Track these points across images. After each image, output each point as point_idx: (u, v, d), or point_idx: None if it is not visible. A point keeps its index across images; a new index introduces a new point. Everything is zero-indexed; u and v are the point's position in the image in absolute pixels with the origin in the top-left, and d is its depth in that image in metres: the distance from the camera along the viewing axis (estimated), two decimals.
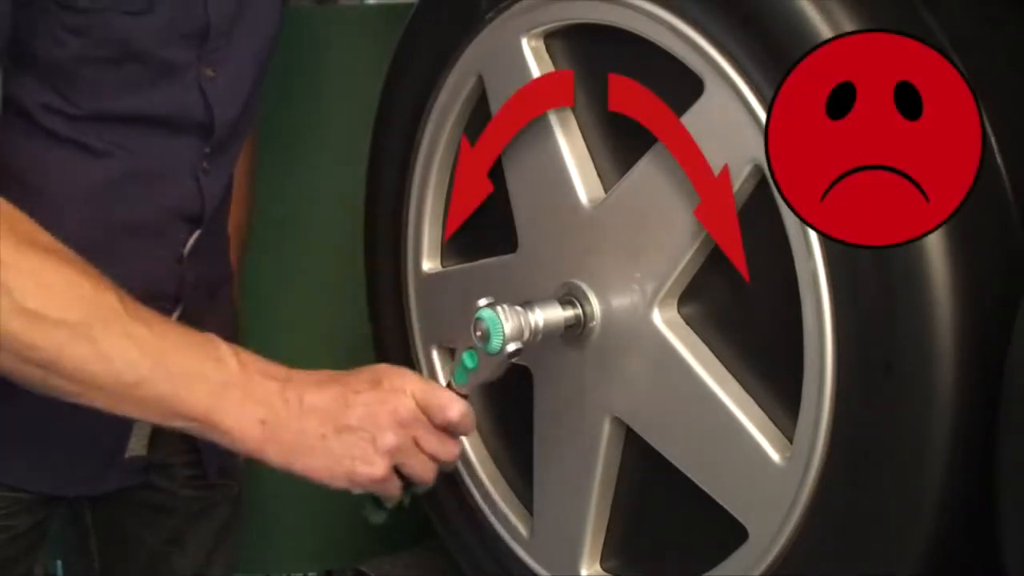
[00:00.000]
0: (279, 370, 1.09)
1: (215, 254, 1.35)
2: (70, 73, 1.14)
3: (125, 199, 1.21)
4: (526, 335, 1.11)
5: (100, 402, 1.05)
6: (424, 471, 1.11)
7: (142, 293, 1.25)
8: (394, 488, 1.11)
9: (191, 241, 1.27)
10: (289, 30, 1.48)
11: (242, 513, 1.51)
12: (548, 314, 1.13)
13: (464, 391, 1.12)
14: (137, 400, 1.06)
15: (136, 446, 1.32)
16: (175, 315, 1.28)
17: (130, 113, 1.18)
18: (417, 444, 1.09)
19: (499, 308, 1.10)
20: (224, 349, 1.08)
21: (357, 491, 1.11)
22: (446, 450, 1.11)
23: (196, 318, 1.30)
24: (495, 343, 1.10)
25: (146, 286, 1.24)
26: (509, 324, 1.10)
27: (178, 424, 1.07)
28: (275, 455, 1.08)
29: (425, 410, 1.09)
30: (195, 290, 1.29)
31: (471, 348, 1.11)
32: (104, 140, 1.18)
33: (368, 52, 1.61)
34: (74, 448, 1.28)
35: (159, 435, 1.33)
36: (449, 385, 1.13)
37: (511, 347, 1.10)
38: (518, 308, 1.11)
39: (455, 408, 1.09)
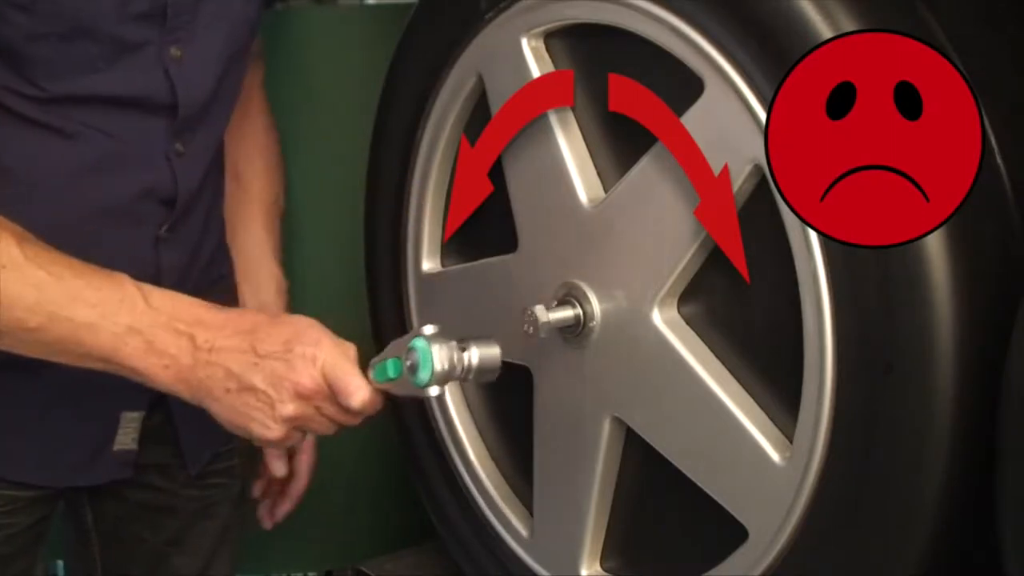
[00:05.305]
0: (191, 311, 1.10)
1: (201, 243, 1.33)
2: (24, 53, 1.14)
3: (97, 181, 1.20)
4: (457, 374, 1.09)
5: (4, 346, 1.07)
6: (326, 431, 1.13)
7: None
8: (296, 441, 1.13)
9: (167, 225, 1.25)
10: (289, 30, 1.48)
11: (243, 513, 1.51)
12: (484, 353, 1.10)
13: (376, 386, 1.12)
14: (40, 344, 1.08)
15: (125, 440, 1.31)
16: None
17: (93, 94, 1.17)
18: (319, 411, 1.11)
19: (435, 345, 1.08)
20: (131, 290, 1.09)
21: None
22: (347, 420, 1.13)
23: None
24: (422, 377, 1.08)
25: (122, 270, 1.23)
26: (440, 363, 1.08)
27: (86, 365, 1.10)
28: (186, 395, 1.11)
29: (329, 386, 1.10)
30: (180, 279, 1.27)
31: (399, 358, 1.10)
32: (73, 122, 1.18)
33: (368, 52, 1.61)
34: (61, 439, 1.28)
35: (149, 430, 1.33)
36: (366, 369, 1.12)
37: (434, 391, 1.09)
38: (454, 344, 1.09)
39: (357, 397, 1.10)
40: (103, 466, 1.32)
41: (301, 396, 1.09)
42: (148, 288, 1.10)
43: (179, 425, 1.35)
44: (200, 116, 1.25)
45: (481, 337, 1.12)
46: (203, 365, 1.09)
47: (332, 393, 1.10)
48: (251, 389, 1.09)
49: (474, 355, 1.10)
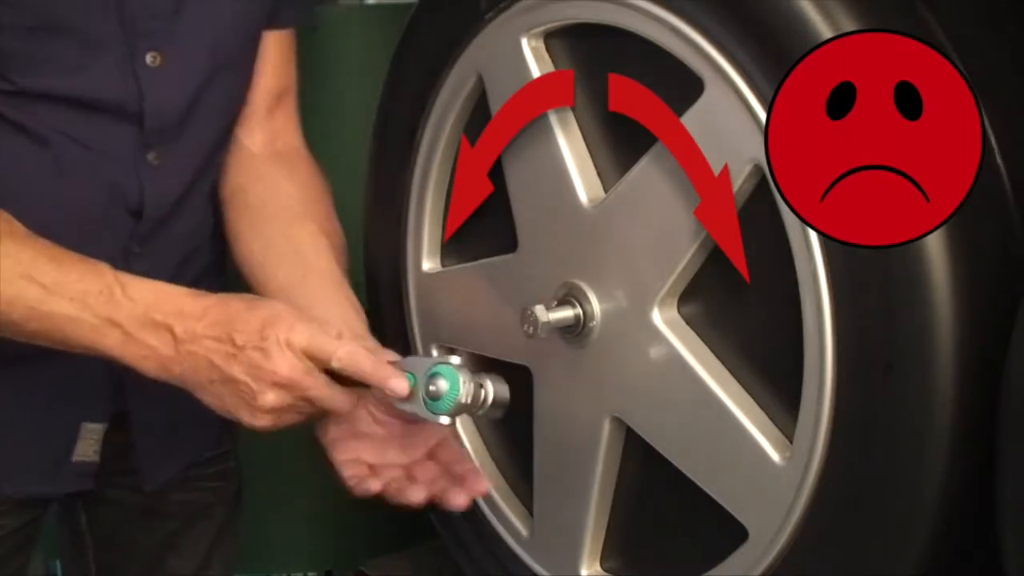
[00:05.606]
0: (171, 300, 1.09)
1: (185, 266, 1.29)
2: (2, 46, 1.12)
3: (62, 185, 1.18)
4: (472, 409, 1.11)
5: None
6: (319, 416, 1.13)
7: None
8: (295, 421, 1.12)
9: (137, 238, 1.23)
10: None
11: (240, 513, 1.50)
12: (498, 390, 1.12)
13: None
14: (24, 335, 1.09)
15: (85, 451, 1.29)
16: None
17: (62, 94, 1.16)
18: (306, 397, 1.10)
19: (462, 376, 1.08)
20: (109, 280, 1.08)
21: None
22: (338, 401, 1.11)
23: None
24: (443, 405, 1.08)
25: None
26: (465, 396, 1.08)
27: (75, 352, 1.09)
28: (175, 383, 1.10)
29: (311, 359, 1.09)
30: None
31: (412, 373, 1.09)
32: (40, 121, 1.16)
33: (368, 52, 1.61)
34: (19, 449, 1.26)
35: (110, 441, 1.31)
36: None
37: (445, 420, 1.09)
38: (473, 379, 1.10)
39: (340, 351, 1.08)
40: (64, 477, 1.30)
41: (280, 385, 1.08)
42: (127, 278, 1.09)
43: (138, 443, 1.32)
44: (177, 127, 1.21)
45: (492, 374, 1.13)
46: (185, 356, 1.08)
47: (317, 366, 1.09)
48: (232, 380, 1.08)
49: (489, 391, 1.11)
